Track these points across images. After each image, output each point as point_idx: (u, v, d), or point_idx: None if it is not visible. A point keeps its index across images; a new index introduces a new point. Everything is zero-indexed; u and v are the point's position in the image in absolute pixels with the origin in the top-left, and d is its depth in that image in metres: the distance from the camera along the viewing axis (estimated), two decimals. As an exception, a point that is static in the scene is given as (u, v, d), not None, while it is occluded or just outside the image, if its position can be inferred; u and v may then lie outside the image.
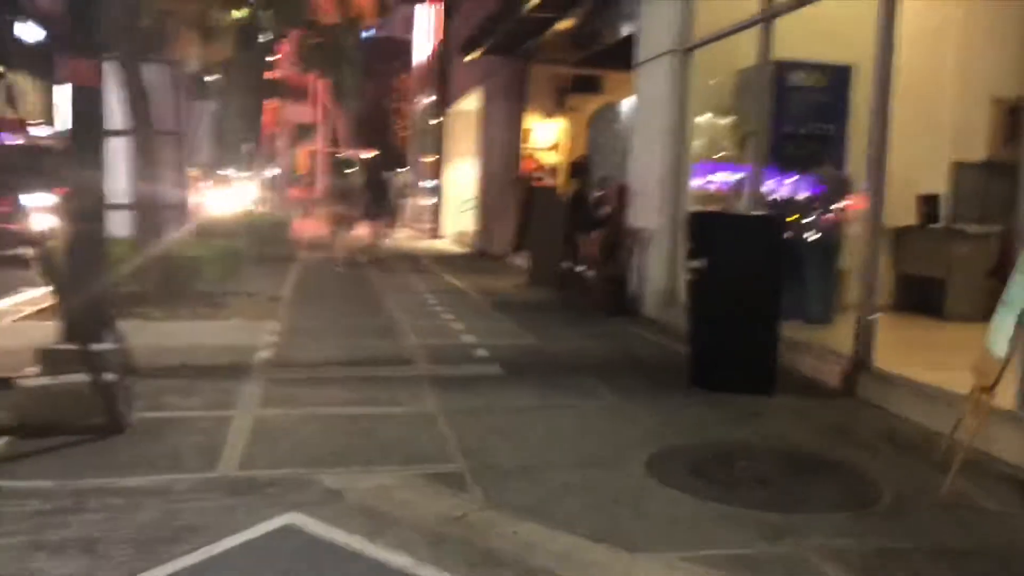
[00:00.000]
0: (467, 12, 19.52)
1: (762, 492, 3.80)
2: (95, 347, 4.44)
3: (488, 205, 17.59)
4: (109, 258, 5.56)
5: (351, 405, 5.04)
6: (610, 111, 16.46)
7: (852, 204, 7.48)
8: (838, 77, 7.69)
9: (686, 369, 5.90)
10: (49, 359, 4.61)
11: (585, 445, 4.42)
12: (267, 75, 22.86)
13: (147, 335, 6.58)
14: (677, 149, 8.71)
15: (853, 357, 5.71)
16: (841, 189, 7.53)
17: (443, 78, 24.12)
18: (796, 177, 7.76)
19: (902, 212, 7.94)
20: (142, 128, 8.41)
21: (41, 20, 15.92)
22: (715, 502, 3.62)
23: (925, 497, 3.74)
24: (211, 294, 8.78)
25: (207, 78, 15.19)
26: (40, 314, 7.42)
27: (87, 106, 4.79)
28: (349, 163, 21.31)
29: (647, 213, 9.12)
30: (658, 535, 3.27)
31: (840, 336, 6.16)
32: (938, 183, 8.42)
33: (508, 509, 3.46)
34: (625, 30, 11.63)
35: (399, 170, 32.42)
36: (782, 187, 7.80)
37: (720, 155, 8.95)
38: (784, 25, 6.97)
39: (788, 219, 6.88)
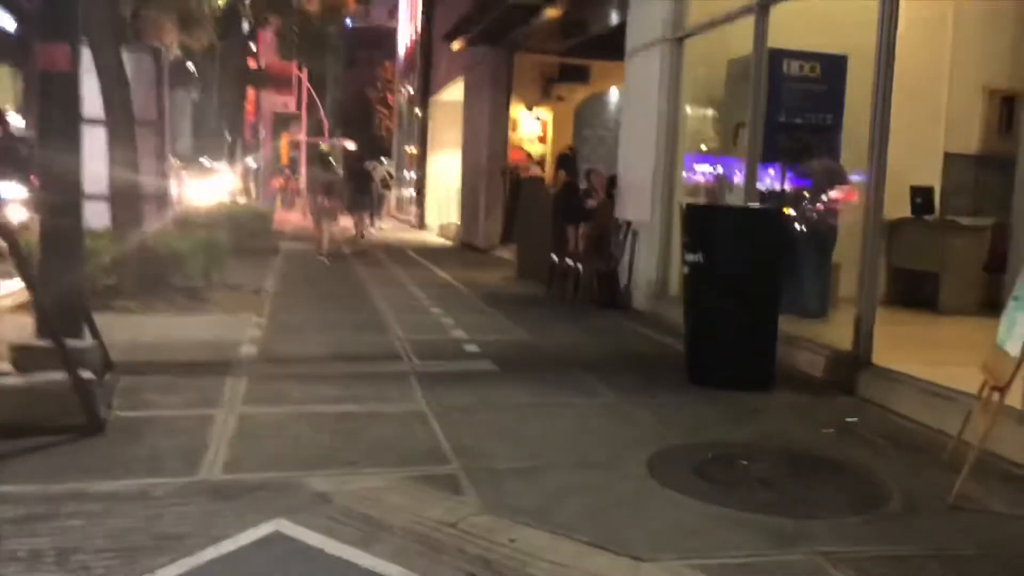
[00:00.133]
0: (452, 0, 19.27)
1: (767, 494, 3.67)
2: (71, 343, 4.26)
3: (473, 197, 17.35)
4: (85, 250, 5.37)
5: (339, 403, 4.87)
6: (598, 101, 16.29)
7: (845, 195, 7.38)
8: (833, 67, 7.58)
9: (684, 364, 5.78)
10: (23, 356, 4.41)
11: (583, 444, 4.28)
12: (250, 63, 22.55)
13: (124, 330, 6.36)
14: (669, 140, 8.57)
15: (852, 353, 5.60)
16: (834, 180, 7.43)
17: (427, 67, 23.89)
18: (789, 168, 7.65)
19: (895, 204, 7.85)
20: (121, 117, 8.18)
21: (12, 8, 15.58)
22: (719, 505, 3.48)
23: (934, 499, 3.62)
24: (192, 287, 8.55)
25: (189, 66, 14.93)
26: (18, 309, 7.19)
27: (61, 92, 4.59)
28: (332, 153, 21.07)
29: (638, 205, 8.98)
30: (663, 541, 3.13)
31: (837, 331, 6.05)
32: (931, 174, 8.34)
33: (505, 513, 3.30)
34: (615, 19, 11.48)
35: (383, 160, 32.20)
36: (775, 178, 7.69)
37: (710, 147, 8.84)
38: (778, 14, 6.84)
39: (782, 211, 6.76)
